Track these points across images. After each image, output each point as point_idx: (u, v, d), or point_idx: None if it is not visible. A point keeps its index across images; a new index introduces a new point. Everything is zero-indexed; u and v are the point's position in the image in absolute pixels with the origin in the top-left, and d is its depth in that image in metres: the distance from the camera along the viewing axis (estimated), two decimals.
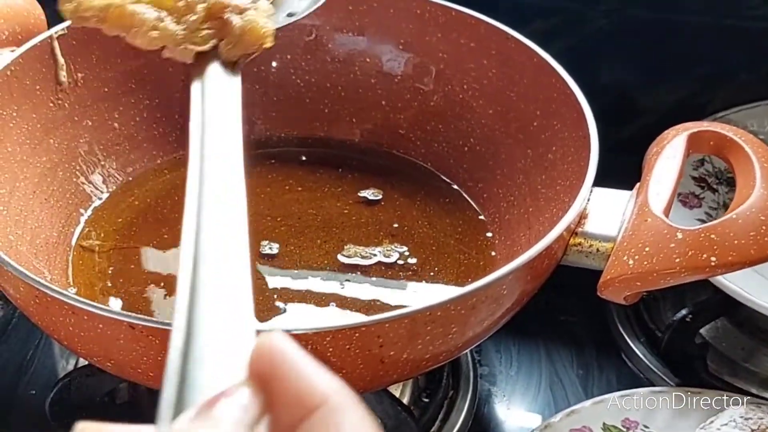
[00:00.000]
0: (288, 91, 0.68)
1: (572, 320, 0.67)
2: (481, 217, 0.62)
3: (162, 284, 0.56)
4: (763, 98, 0.74)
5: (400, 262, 0.58)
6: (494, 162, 0.63)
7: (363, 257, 0.58)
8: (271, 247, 0.58)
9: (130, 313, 0.41)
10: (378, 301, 0.55)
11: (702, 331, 0.64)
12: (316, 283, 0.56)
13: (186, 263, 0.32)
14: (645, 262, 0.45)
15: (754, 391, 0.61)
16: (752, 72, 0.76)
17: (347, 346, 0.42)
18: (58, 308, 0.42)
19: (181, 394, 0.28)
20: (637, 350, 0.64)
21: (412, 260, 0.58)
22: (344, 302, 0.55)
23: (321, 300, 0.55)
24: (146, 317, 0.41)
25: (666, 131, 0.52)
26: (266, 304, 0.54)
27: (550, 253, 0.48)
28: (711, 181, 0.68)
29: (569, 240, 0.49)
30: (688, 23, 0.75)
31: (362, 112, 0.68)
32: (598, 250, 0.49)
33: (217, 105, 0.44)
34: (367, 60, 0.67)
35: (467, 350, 0.61)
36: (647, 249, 0.45)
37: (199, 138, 0.41)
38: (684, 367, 0.62)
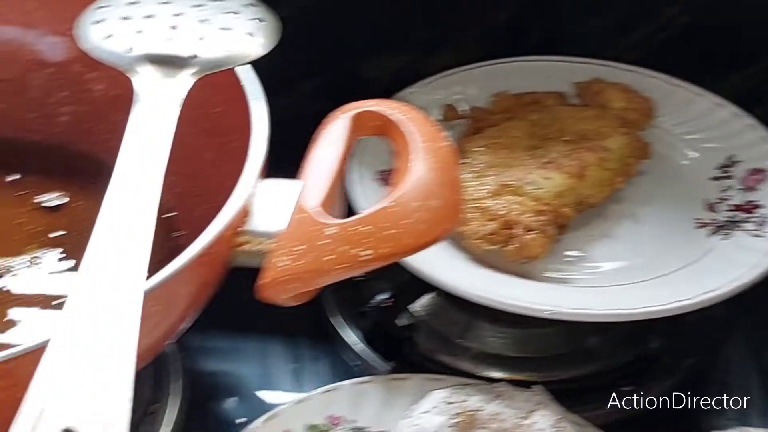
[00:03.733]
0: None
1: (284, 310, 0.64)
2: (175, 213, 0.58)
3: None
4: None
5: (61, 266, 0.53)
6: (180, 153, 0.58)
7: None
8: None
9: None
10: None
11: (417, 308, 0.62)
12: None
13: None
14: (298, 262, 0.42)
15: (465, 367, 0.59)
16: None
17: None
18: None
19: None
20: (348, 339, 0.61)
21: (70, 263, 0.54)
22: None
23: None
24: None
25: (332, 112, 0.48)
26: None
27: (210, 259, 0.44)
28: None
29: (233, 241, 0.46)
30: None
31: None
32: (263, 249, 0.45)
33: None
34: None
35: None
36: (300, 247, 0.42)
37: None
38: (393, 351, 0.59)
